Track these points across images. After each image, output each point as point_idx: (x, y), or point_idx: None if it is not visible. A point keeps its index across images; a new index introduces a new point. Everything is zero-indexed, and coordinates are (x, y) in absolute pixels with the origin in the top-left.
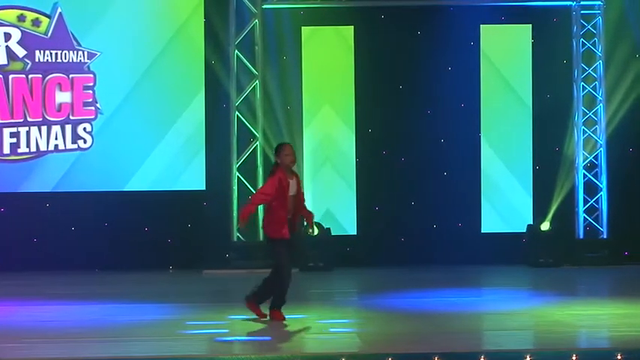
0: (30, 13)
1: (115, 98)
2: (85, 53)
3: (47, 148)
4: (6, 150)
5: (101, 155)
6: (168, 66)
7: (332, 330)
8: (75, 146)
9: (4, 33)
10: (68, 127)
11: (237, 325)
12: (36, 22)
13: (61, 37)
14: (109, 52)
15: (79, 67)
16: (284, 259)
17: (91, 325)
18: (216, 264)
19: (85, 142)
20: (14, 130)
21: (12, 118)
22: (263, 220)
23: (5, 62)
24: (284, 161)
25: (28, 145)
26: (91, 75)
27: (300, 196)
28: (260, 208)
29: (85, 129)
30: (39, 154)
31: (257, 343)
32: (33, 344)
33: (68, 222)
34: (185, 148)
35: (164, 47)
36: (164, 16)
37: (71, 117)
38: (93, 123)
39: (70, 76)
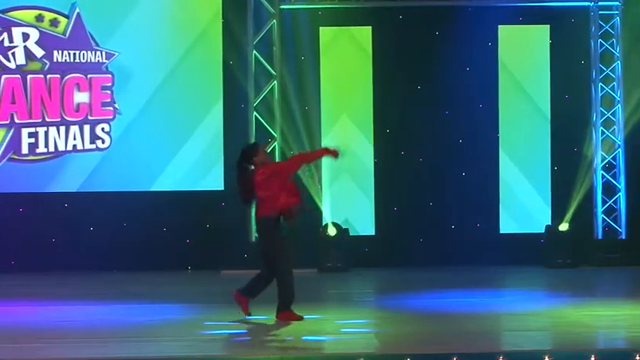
0: (48, 13)
1: (136, 99)
2: (103, 53)
3: (65, 148)
4: (24, 150)
5: (121, 156)
6: (188, 67)
7: (350, 330)
8: (93, 146)
9: (23, 33)
10: (86, 128)
11: (255, 325)
12: (54, 23)
13: (79, 38)
14: (128, 52)
15: (97, 68)
16: (286, 258)
17: (109, 325)
18: (234, 264)
19: (103, 142)
20: (33, 130)
21: (30, 119)
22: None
23: (23, 62)
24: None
25: (46, 146)
26: (109, 75)
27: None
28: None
29: (103, 129)
30: (57, 154)
31: (276, 344)
32: (52, 344)
33: (87, 223)
34: (204, 148)
35: (185, 48)
36: (184, 18)
37: (89, 117)
38: (111, 123)
39: (88, 76)
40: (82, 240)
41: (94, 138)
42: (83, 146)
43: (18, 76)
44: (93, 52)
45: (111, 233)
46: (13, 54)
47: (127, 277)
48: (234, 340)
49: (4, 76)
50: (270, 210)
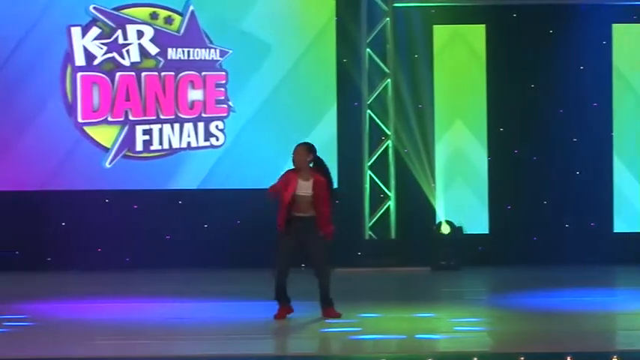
0: (163, 10)
1: (252, 97)
2: (217, 51)
3: (180, 145)
4: (139, 147)
5: (237, 154)
6: (303, 66)
7: (463, 329)
8: (207, 144)
9: (137, 30)
10: (200, 125)
11: (369, 323)
12: (168, 20)
13: (193, 35)
14: (244, 51)
15: (211, 65)
16: (278, 256)
17: (223, 322)
18: (348, 262)
19: (217, 139)
20: (147, 127)
21: (145, 116)
22: None
23: (138, 60)
24: (293, 161)
25: (160, 143)
26: (223, 73)
27: (315, 197)
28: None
29: (217, 127)
30: (171, 151)
31: (389, 342)
32: (167, 341)
33: (201, 219)
34: (319, 147)
35: (300, 47)
36: (298, 18)
37: (203, 115)
38: (225, 121)
39: (202, 73)
40: (196, 237)
41: (208, 135)
42: (197, 143)
43: (132, 73)
44: (207, 50)
45: (225, 230)
46: (128, 51)
47: (241, 275)
48: (349, 339)
49: (118, 74)
50: None
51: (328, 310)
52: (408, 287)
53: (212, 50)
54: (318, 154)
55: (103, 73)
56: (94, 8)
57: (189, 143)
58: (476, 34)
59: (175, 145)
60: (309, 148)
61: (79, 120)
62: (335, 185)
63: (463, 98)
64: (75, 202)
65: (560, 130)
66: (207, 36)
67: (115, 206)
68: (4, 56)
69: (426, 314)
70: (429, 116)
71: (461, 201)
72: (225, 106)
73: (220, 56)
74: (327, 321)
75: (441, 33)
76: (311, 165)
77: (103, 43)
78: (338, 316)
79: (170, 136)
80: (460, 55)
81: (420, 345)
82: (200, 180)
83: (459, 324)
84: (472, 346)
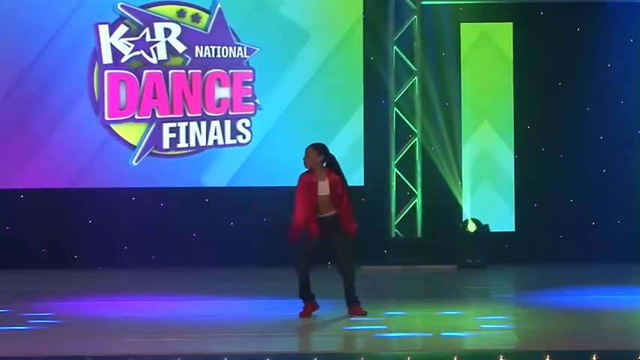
0: (190, 8)
1: (280, 95)
2: (244, 49)
3: (206, 143)
4: (166, 145)
5: (264, 153)
6: (331, 64)
7: (489, 327)
8: (234, 142)
9: (164, 28)
10: (227, 123)
11: (395, 321)
12: (195, 18)
13: (221, 33)
14: (272, 49)
15: (238, 63)
16: (301, 254)
17: (246, 320)
18: (374, 260)
19: (244, 137)
20: (174, 125)
21: (172, 114)
22: None
23: (165, 58)
24: (305, 164)
25: (187, 141)
26: (251, 71)
27: (332, 196)
28: None
29: (244, 124)
30: (198, 149)
31: (415, 340)
32: (193, 339)
33: (227, 217)
34: (346, 147)
35: (328, 44)
36: (326, 15)
37: (230, 112)
38: (252, 119)
39: (230, 71)
40: (223, 235)
41: (235, 133)
42: (224, 141)
43: (160, 71)
44: (234, 48)
45: (251, 229)
46: (155, 49)
47: (266, 273)
48: (374, 337)
49: (145, 71)
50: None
51: (354, 308)
52: (434, 285)
53: (239, 48)
54: (347, 151)
55: (130, 71)
56: (122, 6)
57: (215, 141)
58: (503, 32)
59: (202, 143)
60: (319, 149)
61: (106, 118)
62: (362, 183)
63: (490, 96)
64: (102, 200)
65: (587, 128)
66: (234, 33)
67: (141, 204)
68: (35, 52)
69: (452, 312)
70: (455, 114)
71: (487, 199)
72: (252, 104)
73: (247, 54)
74: (352, 319)
75: (469, 31)
76: (324, 165)
77: (130, 41)
78: (364, 314)
79: (197, 134)
80: (487, 53)
81: (446, 342)
82: (227, 178)
83: (485, 322)
84: (498, 344)
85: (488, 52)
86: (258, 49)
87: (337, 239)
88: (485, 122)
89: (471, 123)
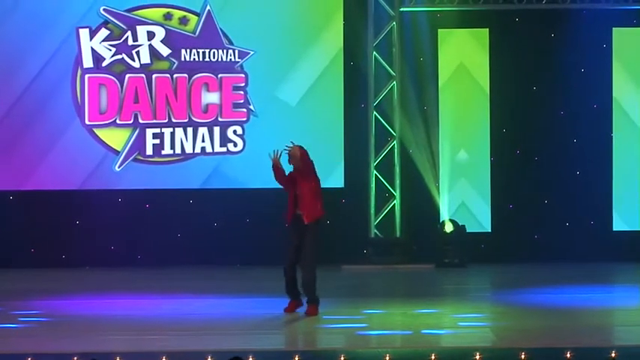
0: (177, 11)
1: (266, 97)
2: (236, 52)
3: (193, 150)
4: (149, 151)
5: (251, 157)
6: (309, 68)
7: (466, 324)
8: (224, 149)
9: (148, 31)
10: (216, 129)
11: (375, 318)
12: (183, 21)
13: (210, 36)
14: (263, 52)
15: (229, 67)
16: (289, 249)
17: (231, 318)
18: (354, 259)
19: (235, 145)
20: (157, 130)
21: (155, 119)
22: None
23: (149, 61)
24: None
25: (172, 147)
26: (242, 75)
27: (300, 195)
28: None
29: (235, 132)
30: (185, 156)
31: (395, 337)
32: (178, 336)
33: (210, 218)
34: (326, 148)
35: (307, 49)
36: (306, 20)
37: (220, 119)
38: (244, 126)
39: (219, 75)
40: (207, 235)
41: (225, 141)
42: (213, 149)
43: (142, 75)
44: (225, 51)
45: (234, 229)
46: (138, 53)
47: (249, 272)
48: (356, 334)
49: (127, 75)
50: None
51: (310, 307)
52: (412, 284)
53: (230, 51)
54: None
55: (111, 75)
56: (105, 10)
57: (203, 148)
58: (480, 37)
59: (188, 149)
60: (302, 148)
61: (86, 122)
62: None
63: (467, 100)
64: (89, 201)
65: (561, 131)
66: (225, 36)
67: (127, 205)
68: (21, 58)
69: (431, 310)
70: (433, 118)
71: (464, 200)
72: (245, 110)
73: (240, 57)
74: (328, 317)
75: (446, 36)
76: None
77: (111, 45)
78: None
79: (183, 140)
80: (464, 57)
81: (425, 340)
82: (212, 180)
83: (462, 319)
84: (475, 342)
85: (465, 57)
86: (252, 53)
87: (305, 236)
88: (462, 125)
89: (449, 126)
